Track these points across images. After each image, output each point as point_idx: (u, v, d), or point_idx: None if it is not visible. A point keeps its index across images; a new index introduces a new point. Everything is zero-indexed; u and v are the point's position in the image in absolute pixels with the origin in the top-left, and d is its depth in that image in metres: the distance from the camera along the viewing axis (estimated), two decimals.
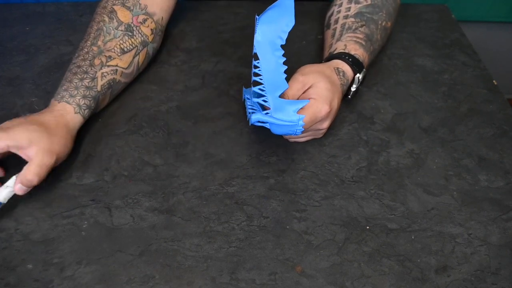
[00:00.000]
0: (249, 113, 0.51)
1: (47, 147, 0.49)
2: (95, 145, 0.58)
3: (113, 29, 0.60)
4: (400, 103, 0.66)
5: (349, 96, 0.61)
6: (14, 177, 0.50)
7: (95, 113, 0.61)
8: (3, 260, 0.46)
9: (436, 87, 0.68)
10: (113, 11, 0.61)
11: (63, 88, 0.56)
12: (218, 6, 0.83)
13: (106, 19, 0.61)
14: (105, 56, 0.59)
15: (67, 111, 0.54)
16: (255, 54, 0.49)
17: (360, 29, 0.63)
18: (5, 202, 0.49)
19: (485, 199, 0.53)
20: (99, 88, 0.58)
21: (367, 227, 0.50)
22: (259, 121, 0.49)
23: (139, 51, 0.63)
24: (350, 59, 0.58)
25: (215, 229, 0.49)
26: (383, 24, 0.66)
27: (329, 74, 0.55)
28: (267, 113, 0.49)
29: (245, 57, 0.72)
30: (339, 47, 0.61)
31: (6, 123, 0.51)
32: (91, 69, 0.58)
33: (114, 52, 0.60)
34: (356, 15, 0.64)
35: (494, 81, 0.70)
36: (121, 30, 0.61)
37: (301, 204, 0.52)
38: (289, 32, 0.49)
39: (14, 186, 0.49)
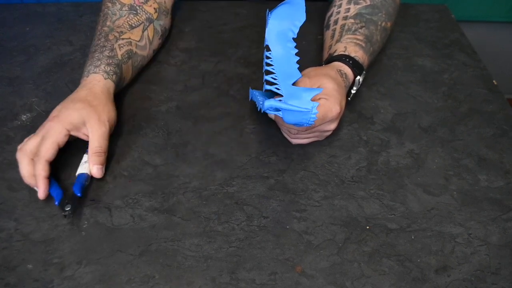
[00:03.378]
0: (260, 102, 0.50)
1: (97, 118, 0.53)
2: None
3: (117, 10, 0.64)
4: (400, 103, 0.66)
5: (349, 98, 0.62)
6: (85, 155, 0.54)
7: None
8: (3, 260, 0.46)
9: (436, 87, 0.68)
10: None
11: (87, 65, 0.59)
12: (218, 6, 0.83)
13: (109, 4, 0.65)
14: (117, 31, 0.63)
15: (97, 79, 0.57)
16: (267, 45, 0.49)
17: (359, 30, 0.63)
18: (90, 174, 0.53)
19: (485, 199, 0.53)
20: (119, 57, 0.61)
21: (367, 227, 0.50)
22: (271, 108, 0.48)
23: (146, 26, 0.67)
24: (351, 62, 0.58)
25: (215, 229, 0.49)
26: (383, 24, 0.66)
27: (335, 76, 0.55)
28: (280, 100, 0.48)
29: (245, 57, 0.72)
30: (339, 49, 0.61)
31: (54, 112, 0.53)
32: (108, 43, 0.61)
33: (124, 28, 0.64)
34: (355, 16, 0.64)
35: (494, 81, 0.70)
36: (126, 10, 0.65)
37: (301, 204, 0.52)
38: (300, 27, 0.49)
39: (88, 170, 0.52)
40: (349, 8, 0.66)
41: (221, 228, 0.49)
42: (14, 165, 0.55)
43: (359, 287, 0.45)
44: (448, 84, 0.69)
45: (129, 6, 0.65)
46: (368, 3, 0.65)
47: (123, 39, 0.63)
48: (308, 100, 0.47)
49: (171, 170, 0.55)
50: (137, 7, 0.66)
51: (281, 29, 0.49)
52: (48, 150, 0.50)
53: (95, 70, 0.58)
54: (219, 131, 0.60)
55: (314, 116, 0.48)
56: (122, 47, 0.62)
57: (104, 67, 0.58)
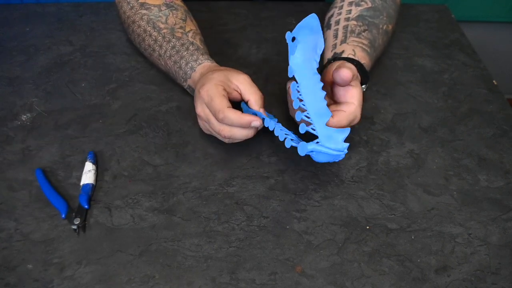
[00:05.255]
0: (285, 136, 0.51)
1: (235, 71, 0.56)
2: (95, 145, 0.58)
3: (158, 12, 0.64)
4: (400, 103, 0.66)
5: None
6: (88, 163, 0.54)
7: (97, 113, 0.62)
8: (3, 260, 0.46)
9: (436, 87, 0.68)
10: (143, 4, 0.64)
11: (183, 67, 0.60)
12: (218, 6, 0.83)
13: (144, 11, 0.64)
14: (178, 28, 0.63)
15: (208, 64, 0.59)
16: (294, 77, 0.51)
17: (363, 34, 0.62)
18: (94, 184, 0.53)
19: (485, 199, 0.53)
20: (202, 46, 0.62)
21: (367, 227, 0.50)
22: (308, 151, 0.48)
23: (190, 15, 0.67)
24: (361, 69, 0.58)
25: (215, 229, 0.49)
26: (384, 28, 0.66)
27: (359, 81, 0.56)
28: (317, 142, 0.49)
29: (245, 57, 0.72)
30: (347, 51, 0.60)
31: (201, 93, 0.53)
32: (182, 40, 0.61)
33: (179, 23, 0.63)
34: (357, 18, 0.64)
35: (494, 81, 0.70)
36: (165, 9, 0.64)
37: (301, 204, 0.52)
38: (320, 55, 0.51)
39: (93, 180, 0.53)
40: (350, 10, 0.66)
41: (221, 228, 0.49)
42: (14, 165, 0.55)
43: (359, 287, 0.45)
44: (448, 84, 0.69)
45: (165, 6, 0.64)
46: (370, 5, 0.65)
47: (188, 32, 0.63)
48: (341, 141, 0.50)
49: (171, 170, 0.55)
50: (172, 4, 0.65)
51: (306, 57, 0.51)
52: (220, 102, 0.51)
53: (197, 62, 0.59)
54: None
55: (343, 155, 0.50)
56: (194, 37, 0.62)
57: (202, 56, 0.59)
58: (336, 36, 0.64)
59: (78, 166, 0.55)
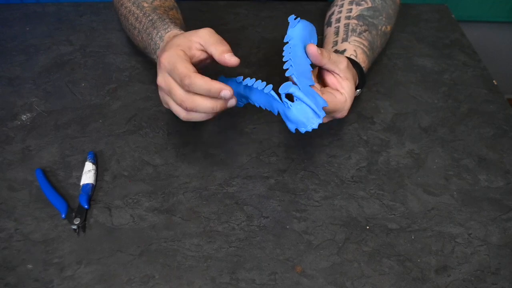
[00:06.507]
0: (264, 84, 0.48)
1: (194, 31, 0.49)
2: (95, 145, 0.58)
3: None
4: (400, 103, 0.66)
5: None
6: (88, 163, 0.54)
7: (97, 113, 0.61)
8: (3, 260, 0.46)
9: (436, 87, 0.68)
10: None
11: (154, 36, 0.56)
12: (218, 6, 0.83)
13: None
14: (162, 8, 0.61)
15: (175, 32, 0.54)
16: (288, 42, 0.50)
17: (364, 34, 0.62)
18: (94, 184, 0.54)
19: (485, 199, 0.53)
20: (181, 22, 0.61)
21: (367, 227, 0.50)
22: (284, 92, 0.45)
23: (178, 10, 0.65)
24: (360, 72, 0.58)
25: (215, 229, 0.49)
26: (383, 29, 0.66)
27: (355, 79, 0.55)
28: (301, 90, 0.46)
29: (245, 57, 0.72)
30: (349, 50, 0.60)
31: (162, 59, 0.47)
32: (162, 15, 0.59)
33: (163, 7, 0.62)
34: (358, 18, 0.64)
35: (494, 81, 0.70)
36: None
37: (301, 204, 0.52)
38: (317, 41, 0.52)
39: (93, 180, 0.53)
40: (351, 9, 0.66)
41: (221, 228, 0.49)
42: (14, 165, 0.55)
43: (359, 287, 0.45)
44: (448, 84, 0.69)
45: None
46: (370, 4, 0.65)
47: (170, 14, 0.61)
48: (321, 107, 0.46)
49: (171, 170, 0.55)
50: None
51: (303, 35, 0.51)
52: (185, 67, 0.45)
53: (166, 31, 0.55)
54: (219, 131, 0.60)
55: (316, 126, 0.46)
56: (175, 19, 0.60)
57: (174, 27, 0.55)
58: (337, 34, 0.64)
59: (78, 166, 0.55)
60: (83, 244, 0.48)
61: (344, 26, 0.64)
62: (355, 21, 0.64)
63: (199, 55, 0.49)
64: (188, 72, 0.44)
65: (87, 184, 0.52)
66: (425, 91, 0.68)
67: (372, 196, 0.53)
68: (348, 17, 0.65)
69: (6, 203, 0.51)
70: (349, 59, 0.58)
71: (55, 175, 0.54)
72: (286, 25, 0.52)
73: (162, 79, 0.47)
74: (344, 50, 0.60)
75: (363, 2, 0.66)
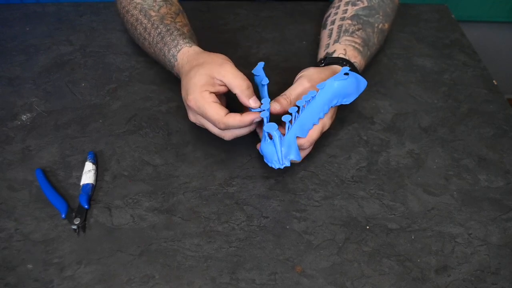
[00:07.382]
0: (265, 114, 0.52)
1: (217, 63, 0.53)
2: (95, 145, 0.58)
3: (152, 2, 0.63)
4: (400, 103, 0.66)
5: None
6: (88, 163, 0.55)
7: (97, 113, 0.61)
8: (3, 260, 0.46)
9: (436, 87, 0.68)
10: None
11: (166, 53, 0.58)
12: (218, 6, 0.83)
13: (139, 0, 0.63)
14: (169, 17, 0.62)
15: (186, 50, 0.57)
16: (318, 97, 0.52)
17: (357, 32, 0.63)
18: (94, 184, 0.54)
19: (485, 199, 0.53)
20: (187, 33, 0.61)
21: (367, 227, 0.50)
22: (268, 130, 0.50)
23: (184, 14, 0.66)
24: (350, 68, 0.58)
25: (215, 229, 0.49)
26: (380, 26, 0.66)
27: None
28: (280, 137, 0.50)
29: (245, 57, 0.72)
30: (338, 50, 0.61)
31: (188, 98, 0.51)
32: (169, 26, 0.60)
33: (171, 14, 0.63)
34: (352, 18, 0.64)
35: (494, 81, 0.70)
36: (159, 1, 0.63)
37: (301, 204, 0.52)
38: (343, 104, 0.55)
39: (93, 180, 0.53)
40: (346, 10, 0.66)
41: (221, 228, 0.49)
42: (14, 165, 0.55)
43: (359, 287, 0.45)
44: (448, 84, 0.69)
45: None
46: (366, 4, 0.66)
47: (177, 22, 0.62)
48: (289, 158, 0.50)
49: (171, 170, 0.55)
50: None
51: (340, 92, 0.54)
52: (216, 113, 0.49)
53: (177, 48, 0.57)
54: None
55: (277, 167, 0.51)
56: (183, 26, 0.61)
57: (183, 41, 0.58)
58: (330, 36, 0.65)
59: (78, 166, 0.55)
60: (83, 244, 0.48)
61: (338, 28, 0.64)
62: (349, 21, 0.64)
63: (223, 90, 0.53)
64: (220, 118, 0.49)
65: (87, 184, 0.52)
66: (425, 91, 0.68)
67: (372, 196, 0.53)
68: (342, 18, 0.65)
69: (6, 203, 0.51)
70: (339, 58, 0.59)
71: (55, 175, 0.54)
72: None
73: (194, 118, 0.53)
74: (334, 51, 0.61)
75: (359, 2, 0.66)
